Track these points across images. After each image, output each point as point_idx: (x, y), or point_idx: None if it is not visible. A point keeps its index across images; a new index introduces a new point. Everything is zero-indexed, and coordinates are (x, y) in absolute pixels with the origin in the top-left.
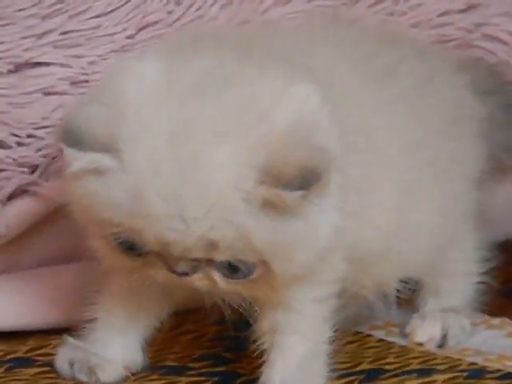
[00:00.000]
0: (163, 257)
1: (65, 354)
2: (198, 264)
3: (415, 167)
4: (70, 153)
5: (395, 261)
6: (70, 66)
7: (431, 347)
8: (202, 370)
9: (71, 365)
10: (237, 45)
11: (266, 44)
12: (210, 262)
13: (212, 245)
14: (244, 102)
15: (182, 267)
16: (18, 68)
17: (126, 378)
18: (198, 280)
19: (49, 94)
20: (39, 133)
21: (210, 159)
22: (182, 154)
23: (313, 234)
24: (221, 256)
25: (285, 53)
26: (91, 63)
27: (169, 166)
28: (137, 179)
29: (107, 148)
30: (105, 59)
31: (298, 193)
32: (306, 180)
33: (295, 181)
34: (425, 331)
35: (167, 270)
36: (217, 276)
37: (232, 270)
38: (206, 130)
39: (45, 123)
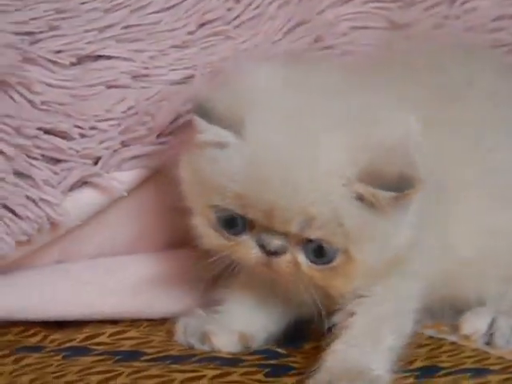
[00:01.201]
0: (258, 233)
1: (183, 320)
2: (287, 245)
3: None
4: (199, 123)
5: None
6: (132, 60)
7: (477, 342)
8: (255, 362)
9: (185, 329)
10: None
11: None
12: (298, 243)
13: (309, 220)
14: (362, 108)
15: (274, 244)
16: (80, 61)
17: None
18: (284, 263)
19: (111, 87)
20: (102, 125)
21: (324, 141)
22: (300, 133)
23: (394, 233)
24: (312, 234)
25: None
26: (152, 58)
27: (286, 140)
28: (256, 149)
29: (232, 125)
30: (165, 54)
31: (393, 194)
32: (402, 184)
33: (392, 183)
34: (472, 324)
35: (259, 248)
36: (302, 259)
37: (318, 253)
38: (323, 118)
39: (108, 116)
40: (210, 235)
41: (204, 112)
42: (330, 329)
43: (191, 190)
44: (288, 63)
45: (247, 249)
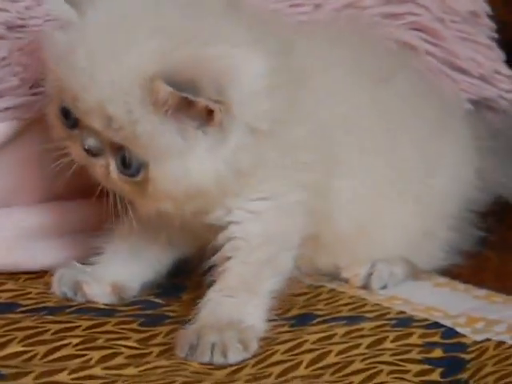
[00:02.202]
0: (82, 129)
1: (59, 272)
2: (102, 147)
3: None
4: None
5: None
6: (7, 10)
7: (356, 285)
8: (131, 313)
9: (60, 280)
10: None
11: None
12: (112, 148)
13: (107, 118)
14: (203, 27)
15: (88, 142)
16: None
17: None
18: (98, 166)
19: None
20: None
21: (136, 41)
22: (123, 33)
23: (193, 157)
24: (114, 136)
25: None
26: (27, 8)
27: (107, 36)
28: (82, 35)
29: (77, 5)
30: (40, 5)
31: (183, 94)
32: (195, 90)
33: (187, 86)
34: (352, 268)
35: (81, 145)
36: (112, 166)
37: (125, 164)
38: (149, 23)
39: None
40: (55, 125)
41: None
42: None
43: (48, 75)
44: None
45: (74, 144)
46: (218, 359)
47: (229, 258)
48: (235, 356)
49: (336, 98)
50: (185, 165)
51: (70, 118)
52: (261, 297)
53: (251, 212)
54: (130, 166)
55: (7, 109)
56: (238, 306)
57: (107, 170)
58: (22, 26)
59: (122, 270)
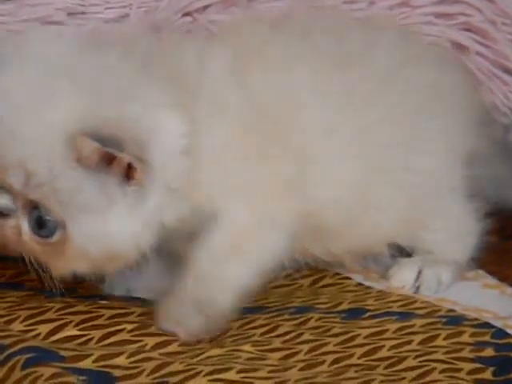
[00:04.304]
0: None
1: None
2: (13, 206)
3: (377, 146)
4: None
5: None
6: None
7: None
8: None
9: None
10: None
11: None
12: (25, 207)
13: (27, 176)
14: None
15: (0, 201)
16: None
17: None
18: (8, 227)
19: (46, 23)
20: None
21: (57, 95)
22: (43, 87)
23: (114, 217)
24: (31, 193)
25: None
26: None
27: (29, 90)
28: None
29: None
30: None
31: (98, 145)
32: (114, 143)
33: (108, 140)
34: (399, 278)
35: None
36: (25, 226)
37: (39, 223)
38: (71, 78)
39: None
40: None
41: None
42: None
43: None
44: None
45: None
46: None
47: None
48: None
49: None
50: (104, 224)
51: None
52: (232, 284)
53: (235, 201)
54: (45, 225)
55: None
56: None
57: (18, 231)
58: (83, 13)
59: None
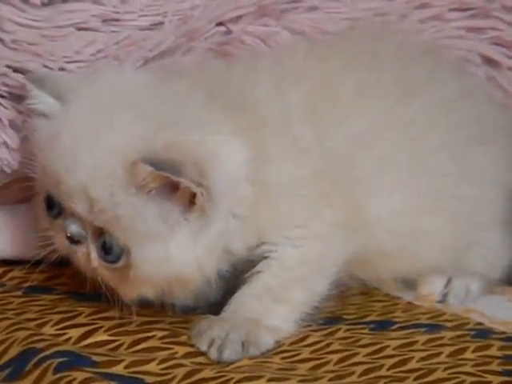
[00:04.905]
0: (65, 217)
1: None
2: (85, 234)
3: (427, 175)
4: (30, 88)
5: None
6: (103, 4)
7: (433, 302)
8: None
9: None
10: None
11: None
12: (94, 234)
13: (90, 202)
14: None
15: (71, 228)
16: (51, 1)
17: None
18: (80, 254)
19: (81, 29)
20: (70, 66)
21: (117, 125)
22: (106, 120)
23: (175, 243)
24: (96, 219)
25: None
26: (123, 2)
27: (92, 122)
28: (67, 123)
29: (59, 97)
30: None
31: (164, 173)
32: (179, 170)
33: (172, 166)
34: (428, 285)
35: (64, 234)
36: (93, 252)
37: (106, 249)
38: (130, 110)
39: (77, 57)
40: (39, 217)
41: (37, 79)
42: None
43: (35, 165)
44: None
45: (57, 233)
46: (212, 354)
47: (259, 272)
48: (230, 355)
49: (352, 120)
50: (166, 250)
51: (54, 208)
52: (287, 305)
53: (286, 237)
54: (110, 251)
55: None
56: (261, 308)
57: (88, 257)
58: (117, 20)
59: None
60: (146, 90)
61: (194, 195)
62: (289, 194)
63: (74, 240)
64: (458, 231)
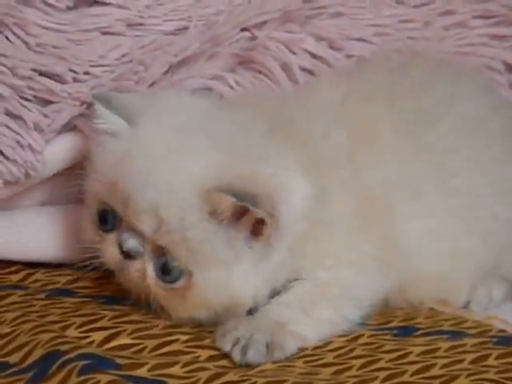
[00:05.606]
0: (122, 231)
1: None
2: (142, 249)
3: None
4: (98, 108)
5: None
6: (128, 8)
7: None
8: None
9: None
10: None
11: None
12: (153, 252)
13: (159, 222)
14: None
15: (129, 243)
16: (76, 5)
17: None
18: (134, 270)
19: (106, 33)
20: (95, 70)
21: (194, 152)
22: (181, 142)
23: (238, 270)
24: (160, 239)
25: None
26: (147, 7)
27: (165, 143)
28: (138, 142)
29: (128, 117)
30: (161, 4)
31: (234, 200)
32: (254, 200)
33: (246, 196)
34: (452, 291)
35: (118, 248)
36: (150, 270)
37: (165, 269)
38: (207, 136)
39: (101, 62)
40: (86, 229)
41: (105, 98)
42: None
43: (90, 181)
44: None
45: (108, 247)
46: (236, 354)
47: (290, 288)
48: (254, 356)
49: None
50: (228, 276)
51: (107, 222)
52: (314, 320)
53: (320, 264)
54: (170, 271)
55: None
56: (288, 314)
57: (143, 274)
58: (141, 24)
59: None
60: (214, 118)
61: (258, 225)
62: (332, 230)
63: (129, 255)
64: (488, 251)
